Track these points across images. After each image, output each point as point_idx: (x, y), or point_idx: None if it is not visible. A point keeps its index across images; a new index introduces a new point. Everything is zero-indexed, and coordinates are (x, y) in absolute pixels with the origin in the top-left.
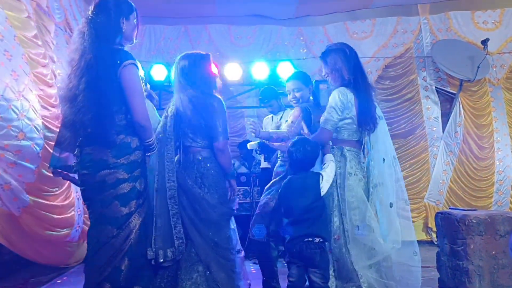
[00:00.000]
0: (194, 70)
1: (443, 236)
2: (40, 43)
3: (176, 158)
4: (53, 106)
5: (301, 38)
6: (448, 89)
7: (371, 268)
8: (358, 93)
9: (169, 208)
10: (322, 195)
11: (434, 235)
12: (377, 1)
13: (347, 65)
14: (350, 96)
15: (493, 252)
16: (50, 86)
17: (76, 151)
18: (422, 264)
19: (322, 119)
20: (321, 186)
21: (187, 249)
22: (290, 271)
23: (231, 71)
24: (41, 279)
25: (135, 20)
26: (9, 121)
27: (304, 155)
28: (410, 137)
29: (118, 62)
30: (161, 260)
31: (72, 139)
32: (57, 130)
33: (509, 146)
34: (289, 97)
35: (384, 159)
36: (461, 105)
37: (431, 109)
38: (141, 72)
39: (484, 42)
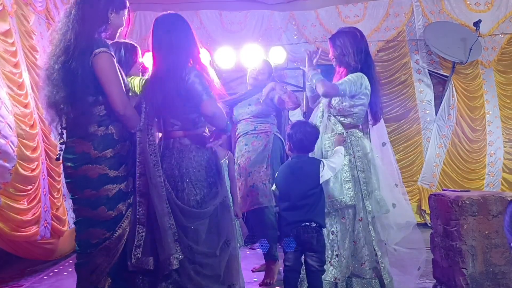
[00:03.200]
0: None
1: (437, 217)
2: (11, 40)
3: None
4: (24, 106)
5: (293, 22)
6: (441, 72)
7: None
8: (370, 79)
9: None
10: (320, 182)
11: (427, 217)
12: None
13: (357, 51)
14: (368, 83)
15: (486, 232)
16: (19, 86)
17: (60, 141)
18: (416, 246)
19: (340, 81)
20: (321, 174)
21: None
22: (286, 255)
23: (223, 58)
24: (37, 269)
25: (125, 17)
26: None
27: (304, 136)
28: (403, 120)
29: (92, 51)
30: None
31: (57, 122)
32: (29, 129)
33: (500, 129)
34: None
35: (384, 143)
36: (453, 88)
37: (424, 92)
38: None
39: (476, 24)
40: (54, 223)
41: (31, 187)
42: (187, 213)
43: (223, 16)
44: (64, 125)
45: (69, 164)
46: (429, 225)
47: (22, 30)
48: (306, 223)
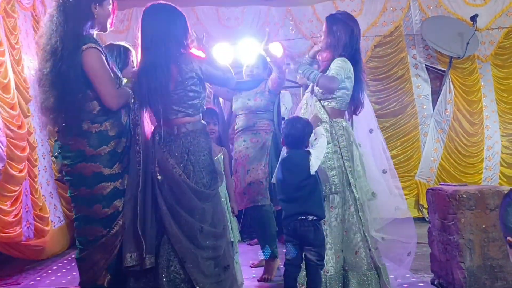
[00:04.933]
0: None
1: (434, 211)
2: None
3: (156, 136)
4: (11, 107)
5: (290, 18)
6: (438, 67)
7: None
8: (356, 71)
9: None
10: (312, 172)
11: (425, 212)
12: None
13: (349, 45)
14: (352, 69)
15: (484, 226)
16: (4, 87)
17: (57, 138)
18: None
19: (333, 72)
20: (310, 164)
21: (162, 245)
22: (287, 249)
23: (220, 53)
24: (35, 266)
25: (110, 6)
26: None
27: (296, 132)
28: (401, 115)
29: (80, 47)
30: (125, 265)
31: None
32: (17, 129)
33: (498, 123)
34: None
35: (371, 130)
36: (451, 82)
37: (421, 87)
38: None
39: (473, 18)
40: (37, 223)
41: (18, 187)
42: (199, 194)
43: (220, 12)
44: (57, 129)
45: (66, 162)
46: (427, 219)
47: (9, 28)
48: (303, 217)
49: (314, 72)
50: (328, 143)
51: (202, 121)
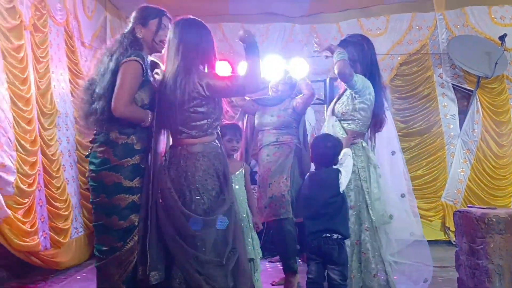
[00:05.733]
0: None
1: (462, 235)
2: (21, 55)
3: (165, 155)
4: (27, 122)
5: (315, 35)
6: (465, 86)
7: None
8: (374, 84)
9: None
10: (341, 190)
11: (452, 235)
12: None
13: (363, 60)
14: (373, 91)
15: None
16: (26, 102)
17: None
18: (440, 263)
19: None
20: (340, 181)
21: (173, 266)
22: (309, 267)
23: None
24: (59, 275)
25: (157, 24)
26: None
27: (324, 150)
28: (426, 135)
29: (123, 60)
30: (139, 277)
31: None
32: (29, 145)
33: None
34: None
35: (393, 152)
36: (478, 102)
37: (447, 106)
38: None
39: (502, 38)
40: (52, 234)
41: (27, 199)
42: (194, 221)
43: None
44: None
45: (91, 168)
46: (453, 242)
47: (37, 43)
48: (327, 234)
49: (341, 54)
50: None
51: (214, 142)
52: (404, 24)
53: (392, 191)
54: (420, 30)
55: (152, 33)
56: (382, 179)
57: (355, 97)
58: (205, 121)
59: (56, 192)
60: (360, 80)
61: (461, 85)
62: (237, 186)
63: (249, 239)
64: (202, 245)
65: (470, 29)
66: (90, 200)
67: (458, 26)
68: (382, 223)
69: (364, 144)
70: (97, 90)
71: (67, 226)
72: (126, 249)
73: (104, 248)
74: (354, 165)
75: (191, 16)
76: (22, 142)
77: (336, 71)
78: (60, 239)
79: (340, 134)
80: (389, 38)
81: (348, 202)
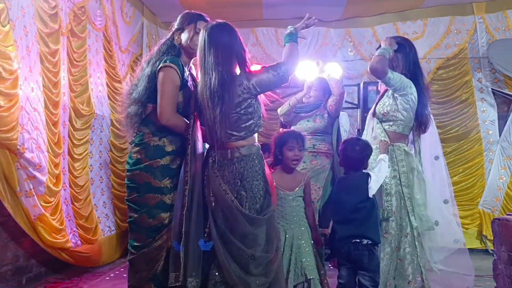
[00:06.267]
0: None
1: (501, 243)
2: (55, 60)
3: (210, 158)
4: (53, 124)
5: (349, 39)
6: (506, 91)
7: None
8: (417, 85)
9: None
10: (370, 195)
11: (489, 243)
12: (429, 0)
13: (405, 63)
14: (416, 92)
15: None
16: (54, 104)
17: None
18: (476, 273)
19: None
20: (369, 186)
21: (211, 269)
22: (339, 272)
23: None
24: (94, 272)
25: (192, 29)
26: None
27: (355, 154)
28: (464, 140)
29: (158, 66)
30: (170, 284)
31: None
32: (54, 145)
33: None
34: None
35: (437, 157)
36: None
37: (486, 111)
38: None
39: None
40: (80, 231)
41: (53, 199)
42: (252, 221)
43: (279, 33)
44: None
45: (127, 167)
46: (490, 251)
47: (73, 47)
48: (357, 240)
49: (382, 49)
50: (388, 167)
51: (256, 143)
52: (442, 28)
53: (436, 197)
54: (459, 34)
55: (188, 38)
56: (426, 184)
57: (396, 97)
58: (252, 121)
59: (78, 191)
60: (397, 77)
61: (501, 90)
62: (295, 204)
63: (309, 258)
64: (260, 242)
65: (511, 32)
66: (126, 197)
67: (499, 30)
68: (425, 230)
69: (407, 148)
70: (133, 95)
71: (92, 225)
72: (154, 247)
73: (135, 244)
74: (395, 170)
75: (219, 20)
76: (51, 143)
77: (369, 66)
78: (89, 237)
79: (381, 137)
80: (426, 42)
81: (386, 208)
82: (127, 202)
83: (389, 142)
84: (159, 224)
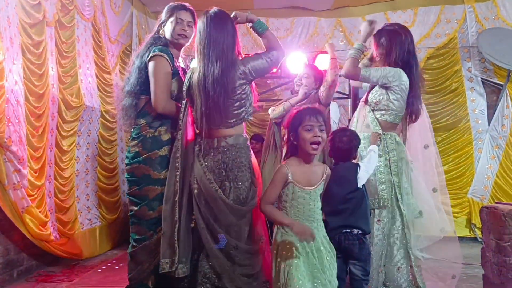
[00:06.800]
0: None
1: (489, 231)
2: (39, 51)
3: (196, 146)
4: (37, 117)
5: (340, 29)
6: (495, 80)
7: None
8: (411, 76)
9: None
10: (359, 185)
11: (478, 232)
12: None
13: (399, 51)
14: (407, 79)
15: None
16: (38, 97)
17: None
18: (465, 260)
19: (372, 70)
20: (358, 176)
21: (201, 260)
22: None
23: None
24: (86, 265)
25: (173, 20)
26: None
27: (343, 145)
28: (453, 130)
29: (148, 57)
30: (161, 271)
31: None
32: (36, 139)
33: None
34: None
35: (426, 146)
36: (508, 97)
37: (476, 101)
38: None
39: None
40: (59, 225)
41: (35, 192)
42: (235, 211)
43: (270, 23)
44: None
45: (126, 162)
46: (479, 239)
47: (61, 38)
48: (347, 230)
49: (352, 52)
50: (380, 157)
51: (245, 134)
52: (432, 17)
53: (424, 186)
54: (449, 23)
55: (172, 29)
56: (414, 173)
57: (385, 87)
58: (243, 109)
59: (63, 183)
60: (374, 72)
61: (490, 79)
62: (314, 204)
63: (332, 272)
64: (242, 234)
65: (501, 22)
66: (127, 191)
67: (489, 19)
68: (414, 218)
69: (398, 138)
70: (126, 88)
71: (71, 219)
72: (155, 239)
73: (136, 237)
74: (386, 159)
75: (218, 9)
76: (30, 137)
77: (342, 72)
78: (65, 230)
79: (373, 125)
80: (416, 31)
81: (381, 197)
82: (127, 196)
83: (381, 132)
84: (159, 216)
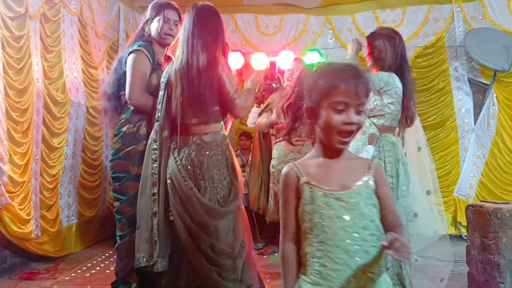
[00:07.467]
0: None
1: (474, 229)
2: (19, 44)
3: (172, 143)
4: (21, 112)
5: (329, 27)
6: (482, 80)
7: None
8: (404, 80)
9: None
10: None
11: (463, 229)
12: None
13: (393, 55)
14: (400, 84)
15: None
16: (19, 91)
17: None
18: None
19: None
20: None
21: (181, 256)
22: None
23: (259, 62)
24: (71, 262)
25: (160, 19)
26: None
27: None
28: (440, 129)
29: (128, 51)
30: (137, 266)
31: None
32: (20, 135)
33: None
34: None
35: (419, 148)
36: (494, 97)
37: (462, 100)
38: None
39: None
40: (42, 222)
41: (18, 188)
42: (211, 211)
43: (259, 20)
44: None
45: (110, 159)
46: (464, 237)
47: (46, 32)
48: None
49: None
50: (374, 157)
51: (223, 131)
52: (420, 16)
53: (419, 188)
54: (437, 23)
55: (158, 28)
56: (410, 175)
57: (380, 92)
58: (218, 107)
59: (49, 180)
60: (370, 76)
61: (477, 79)
62: (352, 220)
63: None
64: (217, 235)
65: (488, 22)
66: (112, 187)
67: (476, 19)
68: (408, 220)
69: (394, 139)
70: (105, 88)
71: (53, 216)
72: (134, 235)
73: (119, 233)
74: (381, 159)
75: (207, 3)
76: (13, 132)
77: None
78: (48, 227)
79: (370, 130)
80: (404, 30)
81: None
82: (112, 193)
83: (377, 134)
84: None
